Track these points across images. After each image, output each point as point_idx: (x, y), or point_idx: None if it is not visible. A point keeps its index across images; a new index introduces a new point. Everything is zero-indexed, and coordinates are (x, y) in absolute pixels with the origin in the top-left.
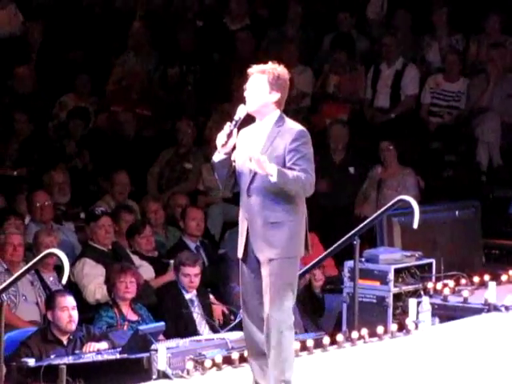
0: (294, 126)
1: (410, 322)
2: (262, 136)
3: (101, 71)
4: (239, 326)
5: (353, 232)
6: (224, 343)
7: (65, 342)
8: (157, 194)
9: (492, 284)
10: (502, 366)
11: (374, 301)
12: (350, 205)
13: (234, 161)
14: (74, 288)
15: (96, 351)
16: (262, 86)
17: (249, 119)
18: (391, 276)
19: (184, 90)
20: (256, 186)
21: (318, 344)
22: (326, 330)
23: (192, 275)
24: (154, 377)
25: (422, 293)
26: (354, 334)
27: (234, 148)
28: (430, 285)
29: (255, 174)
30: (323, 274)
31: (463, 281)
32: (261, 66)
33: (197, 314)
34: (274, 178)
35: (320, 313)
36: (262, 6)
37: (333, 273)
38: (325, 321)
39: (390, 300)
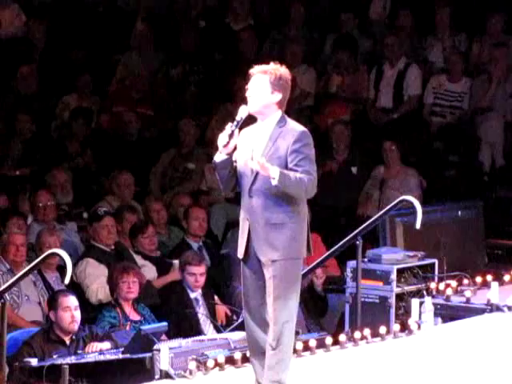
0: (296, 127)
1: (412, 322)
2: (263, 137)
3: (103, 71)
4: (242, 326)
5: (355, 232)
6: (226, 343)
7: (67, 342)
8: (159, 194)
9: (494, 284)
10: (505, 366)
11: (377, 301)
12: (352, 205)
13: (235, 161)
14: (76, 288)
15: (98, 351)
16: (264, 86)
17: (250, 119)
18: (394, 276)
19: (187, 90)
20: (258, 187)
21: (321, 344)
22: (328, 330)
23: (197, 274)
24: (157, 377)
25: (424, 293)
26: (357, 334)
27: (235, 148)
28: (432, 285)
29: (257, 175)
30: (324, 272)
31: (466, 281)
32: (263, 67)
33: (201, 313)
34: (275, 181)
35: (323, 312)
36: (265, 6)
37: (335, 273)
38: (327, 321)
39: (393, 300)
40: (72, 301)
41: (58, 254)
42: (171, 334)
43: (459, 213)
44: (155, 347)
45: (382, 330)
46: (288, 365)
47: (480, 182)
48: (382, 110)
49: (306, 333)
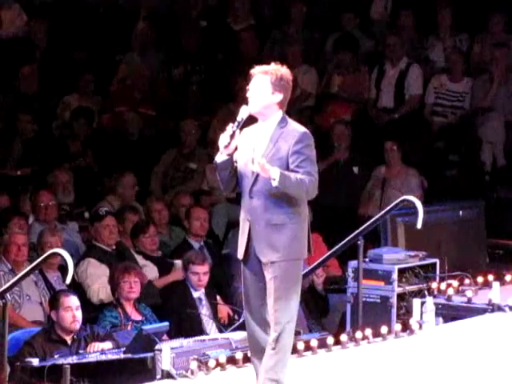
0: (297, 128)
1: (413, 322)
2: (264, 137)
3: (105, 71)
4: (243, 326)
5: (357, 232)
6: (228, 343)
7: (69, 342)
8: (161, 194)
9: (496, 284)
10: (506, 366)
11: (378, 301)
12: (353, 205)
13: (236, 161)
14: (77, 288)
15: (100, 351)
16: (265, 86)
17: (251, 119)
18: (395, 276)
19: (188, 90)
20: (258, 188)
21: (322, 344)
22: (329, 330)
23: (201, 273)
24: (158, 377)
25: (425, 293)
26: (358, 334)
27: (236, 149)
28: (433, 285)
29: (258, 175)
30: (324, 271)
31: (467, 281)
32: (263, 67)
33: (204, 313)
34: (275, 182)
35: (324, 312)
36: (266, 6)
37: (337, 273)
38: (329, 321)
39: (394, 300)
40: (73, 301)
41: (59, 254)
42: (174, 334)
43: (460, 213)
44: (157, 347)
45: (384, 329)
46: (286, 365)
47: (481, 181)
48: (383, 109)
49: (307, 333)
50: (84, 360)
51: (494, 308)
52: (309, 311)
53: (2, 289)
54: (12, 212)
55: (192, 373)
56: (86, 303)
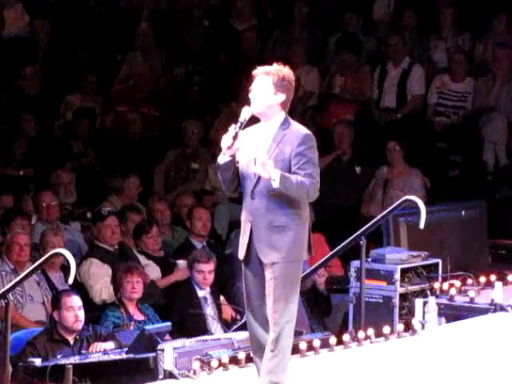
0: (300, 130)
1: (416, 322)
2: (267, 138)
3: (107, 71)
4: (245, 326)
5: (359, 232)
6: (230, 343)
7: (71, 342)
8: (163, 194)
9: (498, 284)
10: (509, 365)
11: (381, 301)
12: (356, 205)
13: (238, 162)
14: (80, 288)
15: (102, 351)
16: (267, 87)
17: (253, 119)
18: (397, 276)
19: (190, 90)
20: (260, 189)
21: (325, 344)
22: (332, 330)
23: (206, 272)
24: (161, 377)
25: (428, 293)
26: (361, 334)
27: (238, 150)
28: (436, 285)
29: (260, 176)
30: (325, 270)
31: (469, 281)
32: (265, 68)
33: (209, 312)
34: (275, 184)
35: (327, 312)
36: (269, 6)
37: (339, 273)
38: (331, 321)
39: (397, 300)
40: (76, 301)
41: (61, 254)
42: (178, 334)
43: (463, 213)
44: (159, 347)
45: (386, 329)
46: (287, 366)
47: (484, 181)
48: (385, 109)
49: (309, 333)
50: (86, 360)
51: (496, 308)
52: (311, 311)
53: (5, 289)
54: (15, 212)
55: (194, 373)
56: (88, 303)
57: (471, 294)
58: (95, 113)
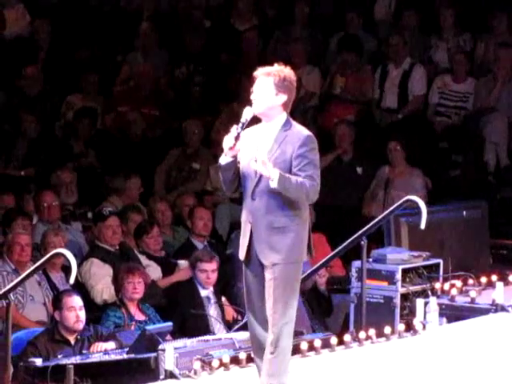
0: (301, 131)
1: (417, 322)
2: (268, 139)
3: (108, 71)
4: (246, 327)
5: (360, 232)
6: (231, 343)
7: (72, 342)
8: (164, 194)
9: (499, 284)
10: (510, 366)
11: (382, 301)
12: (357, 205)
13: (239, 162)
14: (81, 288)
15: (103, 351)
16: (268, 88)
17: (254, 119)
18: (399, 276)
19: (191, 90)
20: (261, 190)
21: (326, 344)
22: (333, 330)
23: (209, 271)
24: (162, 377)
25: (429, 293)
26: (362, 335)
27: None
28: (437, 285)
29: (261, 177)
30: (326, 270)
31: (471, 281)
32: (266, 69)
33: (212, 312)
34: (274, 184)
35: (328, 312)
36: (270, 6)
37: (340, 273)
38: (332, 321)
39: (398, 300)
40: (77, 301)
41: (62, 254)
42: (181, 333)
43: (464, 213)
44: (160, 347)
45: (387, 330)
46: (287, 367)
47: (485, 182)
48: (386, 110)
49: (310, 333)
50: (87, 360)
51: (497, 308)
52: (312, 311)
53: (6, 289)
54: (16, 212)
55: (195, 373)
56: (89, 303)
57: (472, 294)
58: (96, 113)
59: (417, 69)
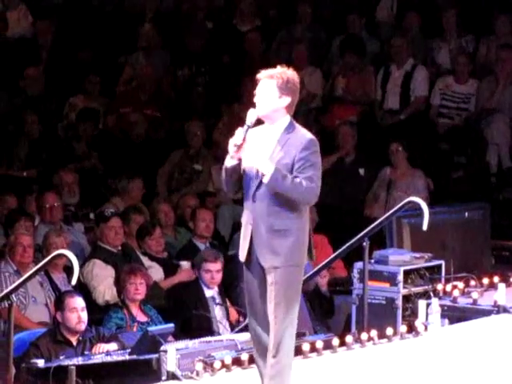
0: (304, 134)
1: (419, 323)
2: (271, 141)
3: (110, 72)
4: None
5: (362, 233)
6: (233, 344)
7: (74, 343)
8: (166, 196)
9: (501, 285)
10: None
11: (384, 302)
12: (359, 206)
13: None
14: (83, 289)
15: (105, 352)
16: (272, 91)
17: (257, 120)
18: (400, 277)
19: (194, 92)
20: (262, 192)
21: (328, 345)
22: (335, 332)
23: (214, 271)
24: (164, 378)
25: (431, 294)
26: (364, 336)
27: None
28: (439, 286)
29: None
30: (329, 272)
31: (473, 282)
32: (269, 71)
33: (217, 312)
34: (265, 179)
35: (330, 314)
36: (272, 7)
37: (342, 274)
38: (334, 322)
39: (400, 301)
40: (79, 302)
41: (64, 255)
42: (185, 334)
43: (466, 214)
44: (162, 348)
45: (389, 331)
46: (290, 371)
47: (487, 183)
48: (388, 111)
49: (312, 334)
50: (89, 361)
51: (499, 309)
52: (314, 312)
53: (8, 290)
54: (18, 213)
55: (197, 374)
56: (91, 304)
57: (474, 295)
58: (98, 114)
59: (419, 70)
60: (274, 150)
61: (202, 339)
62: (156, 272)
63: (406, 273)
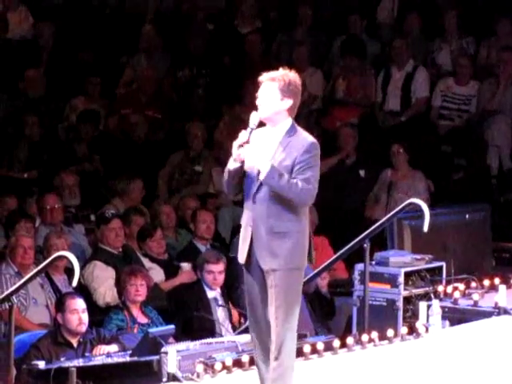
0: (306, 137)
1: (420, 325)
2: (273, 143)
3: (111, 74)
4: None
5: (363, 235)
6: (234, 346)
7: (75, 345)
8: (167, 197)
9: (502, 287)
10: None
11: (384, 304)
12: (360, 208)
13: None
14: (84, 290)
15: (106, 354)
16: (274, 93)
17: (259, 122)
18: (401, 279)
19: (194, 93)
20: (263, 194)
21: (328, 347)
22: (336, 333)
23: (216, 272)
24: (164, 379)
25: (432, 296)
26: (364, 337)
27: None
28: (440, 288)
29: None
30: (329, 273)
31: (473, 284)
32: (271, 74)
33: (220, 313)
34: (261, 176)
35: (331, 315)
36: (272, 8)
37: (343, 276)
38: (335, 324)
39: (400, 303)
40: (79, 303)
41: (65, 257)
42: (187, 335)
43: (467, 216)
44: (163, 350)
45: (390, 333)
46: (292, 373)
47: (487, 185)
48: (389, 112)
49: (313, 336)
50: (90, 363)
51: (500, 311)
52: (315, 314)
53: (9, 291)
54: (19, 215)
55: (198, 376)
56: (92, 306)
57: (475, 297)
58: (99, 115)
59: (420, 72)
60: (275, 152)
61: (203, 341)
62: (157, 273)
63: (407, 274)
